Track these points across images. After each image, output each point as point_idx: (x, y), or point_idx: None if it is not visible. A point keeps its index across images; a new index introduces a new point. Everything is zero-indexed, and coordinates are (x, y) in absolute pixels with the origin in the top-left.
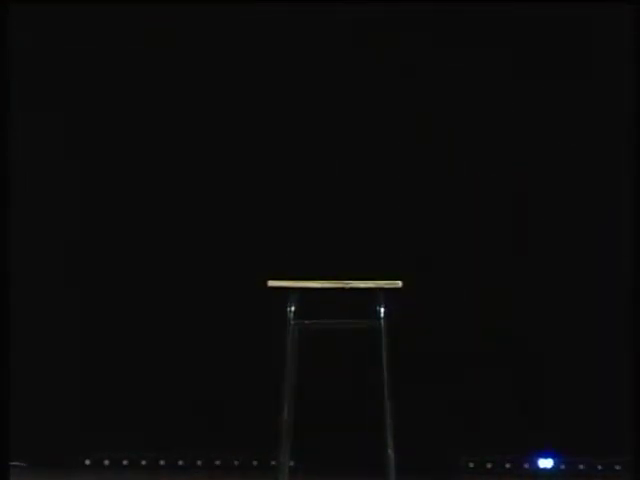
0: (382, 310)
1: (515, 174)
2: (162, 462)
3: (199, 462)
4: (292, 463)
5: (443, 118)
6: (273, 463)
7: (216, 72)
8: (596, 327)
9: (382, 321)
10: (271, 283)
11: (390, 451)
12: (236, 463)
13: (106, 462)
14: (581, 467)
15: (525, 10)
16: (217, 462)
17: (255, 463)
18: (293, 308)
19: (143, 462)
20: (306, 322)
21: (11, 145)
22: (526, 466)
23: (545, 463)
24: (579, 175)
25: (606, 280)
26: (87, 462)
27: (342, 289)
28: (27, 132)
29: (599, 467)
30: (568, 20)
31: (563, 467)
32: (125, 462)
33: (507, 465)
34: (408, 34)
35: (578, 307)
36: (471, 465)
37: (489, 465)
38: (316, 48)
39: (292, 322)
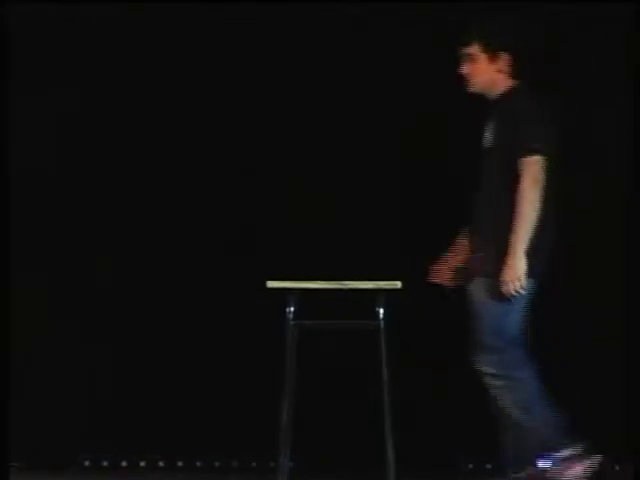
0: (381, 311)
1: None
2: (161, 463)
3: (198, 463)
4: (291, 464)
5: (445, 120)
6: (272, 464)
7: (216, 74)
8: (598, 328)
9: (381, 322)
10: (270, 284)
11: (390, 452)
12: (235, 464)
13: (105, 463)
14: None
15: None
16: (216, 463)
17: (254, 464)
18: (292, 309)
19: (142, 464)
20: (306, 323)
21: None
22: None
23: (544, 464)
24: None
25: (608, 281)
26: (86, 463)
27: (341, 290)
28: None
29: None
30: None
31: None
32: (124, 463)
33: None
34: (409, 35)
35: (580, 308)
36: (470, 466)
37: (488, 466)
38: (320, 51)
39: (291, 323)
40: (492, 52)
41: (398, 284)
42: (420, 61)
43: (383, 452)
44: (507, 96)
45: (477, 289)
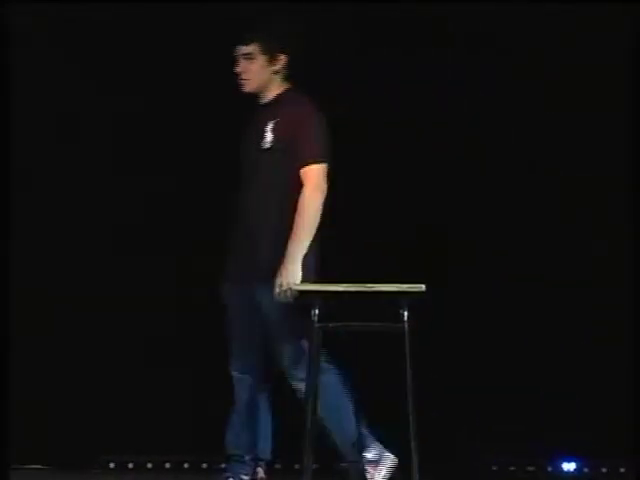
0: (405, 313)
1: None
2: (186, 465)
3: (223, 465)
4: (316, 466)
5: (469, 126)
6: (297, 466)
7: (218, 75)
8: (598, 328)
9: (405, 324)
10: (295, 287)
11: (414, 454)
12: (262, 466)
13: (130, 465)
14: (604, 470)
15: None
16: None
17: (279, 466)
18: (317, 311)
19: (167, 465)
20: (330, 325)
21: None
22: (549, 469)
23: (568, 466)
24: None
25: (608, 281)
26: (111, 465)
27: (366, 293)
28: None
29: (621, 470)
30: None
31: (586, 470)
32: (149, 465)
33: (530, 468)
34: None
35: (580, 308)
36: (494, 468)
37: (512, 468)
38: (320, 50)
39: (316, 325)
40: (272, 53)
41: (422, 287)
42: (423, 62)
43: (407, 454)
44: (283, 99)
45: (267, 294)
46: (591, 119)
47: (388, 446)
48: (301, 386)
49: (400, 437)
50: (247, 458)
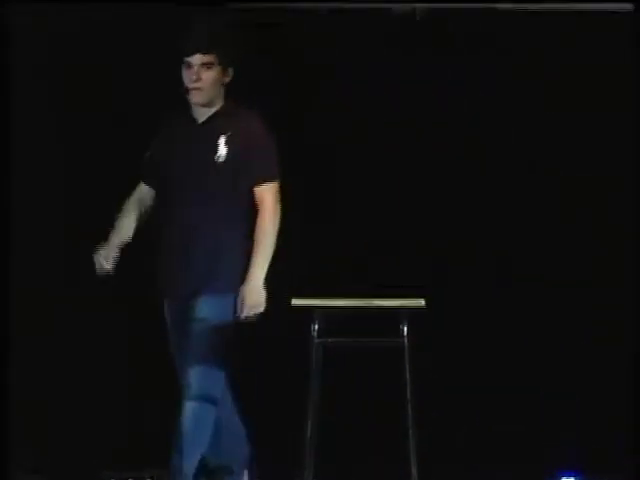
0: (405, 329)
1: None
2: None
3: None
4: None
5: (469, 126)
6: None
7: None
8: (598, 328)
9: (405, 339)
10: (295, 302)
11: (414, 470)
12: None
13: None
14: None
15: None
16: None
17: None
18: (317, 326)
19: None
20: (330, 340)
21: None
22: None
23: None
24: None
25: (609, 281)
26: None
27: (365, 308)
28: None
29: None
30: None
31: None
32: None
33: None
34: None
35: (580, 308)
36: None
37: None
38: (319, 51)
39: (316, 340)
40: (226, 64)
41: (422, 302)
42: (423, 62)
43: (407, 469)
44: (229, 112)
45: (206, 306)
46: (591, 119)
47: (388, 446)
48: (190, 405)
49: (400, 437)
50: (234, 467)
